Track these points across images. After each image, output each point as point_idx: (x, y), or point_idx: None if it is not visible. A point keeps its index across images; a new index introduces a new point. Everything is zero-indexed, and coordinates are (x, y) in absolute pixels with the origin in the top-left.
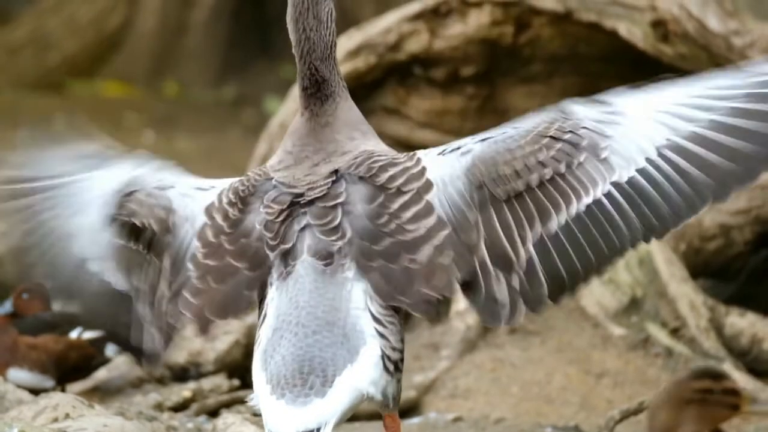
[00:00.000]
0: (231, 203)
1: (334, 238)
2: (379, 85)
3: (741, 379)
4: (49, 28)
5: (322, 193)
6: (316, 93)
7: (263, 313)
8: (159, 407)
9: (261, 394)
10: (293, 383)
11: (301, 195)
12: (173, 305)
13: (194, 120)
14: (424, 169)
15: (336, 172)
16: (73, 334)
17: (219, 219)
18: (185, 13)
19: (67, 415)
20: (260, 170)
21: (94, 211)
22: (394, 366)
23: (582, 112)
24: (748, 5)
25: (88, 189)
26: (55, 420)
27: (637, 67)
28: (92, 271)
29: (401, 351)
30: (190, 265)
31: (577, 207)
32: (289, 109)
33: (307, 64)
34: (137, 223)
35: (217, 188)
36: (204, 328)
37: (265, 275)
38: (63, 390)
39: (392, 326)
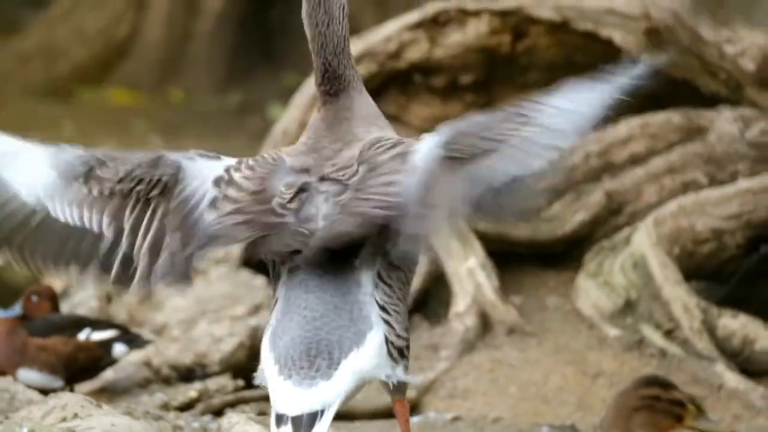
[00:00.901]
0: (246, 178)
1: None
2: (380, 93)
3: (733, 379)
4: (59, 37)
5: (346, 177)
6: (331, 88)
7: (275, 298)
8: (165, 407)
9: (269, 374)
10: (300, 365)
11: (315, 178)
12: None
13: (199, 126)
14: (419, 140)
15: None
16: (82, 336)
17: (232, 191)
18: (191, 22)
19: (75, 415)
20: (274, 152)
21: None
22: (399, 352)
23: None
24: (740, 14)
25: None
26: (64, 419)
27: None
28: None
29: (406, 339)
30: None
31: None
32: (291, 116)
33: (321, 59)
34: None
35: (222, 161)
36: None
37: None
38: (72, 390)
39: (397, 314)
